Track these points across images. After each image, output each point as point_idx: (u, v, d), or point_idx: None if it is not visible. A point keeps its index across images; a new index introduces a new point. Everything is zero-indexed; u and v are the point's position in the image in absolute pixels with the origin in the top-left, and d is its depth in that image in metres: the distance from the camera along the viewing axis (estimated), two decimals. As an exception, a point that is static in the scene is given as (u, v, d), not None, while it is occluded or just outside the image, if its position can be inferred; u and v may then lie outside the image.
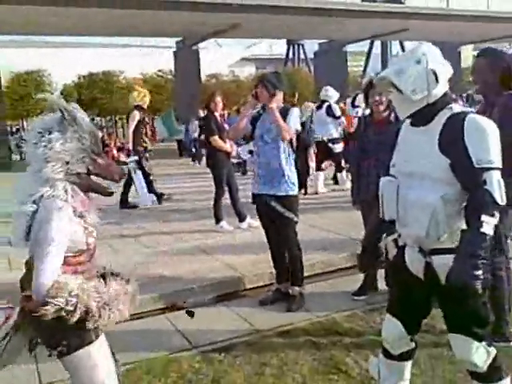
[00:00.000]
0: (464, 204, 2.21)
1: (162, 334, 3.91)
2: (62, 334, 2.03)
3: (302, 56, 56.72)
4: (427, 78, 2.22)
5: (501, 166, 2.15)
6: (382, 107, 4.21)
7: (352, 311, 4.16)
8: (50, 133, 2.03)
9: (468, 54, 36.08)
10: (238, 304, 4.49)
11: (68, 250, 2.00)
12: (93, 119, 31.65)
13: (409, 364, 2.66)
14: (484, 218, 2.07)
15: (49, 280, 1.92)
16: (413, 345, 2.60)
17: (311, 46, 56.76)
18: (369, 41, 33.29)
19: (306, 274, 4.48)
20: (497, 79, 3.27)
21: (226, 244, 6.02)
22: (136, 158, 7.28)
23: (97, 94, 28.50)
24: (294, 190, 4.26)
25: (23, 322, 2.12)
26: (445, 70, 2.27)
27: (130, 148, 7.77)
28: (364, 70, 45.83)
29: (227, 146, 6.52)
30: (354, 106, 7.52)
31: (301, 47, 56.38)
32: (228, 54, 59.73)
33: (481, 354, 2.31)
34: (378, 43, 43.67)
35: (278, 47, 62.96)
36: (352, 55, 35.27)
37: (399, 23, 19.31)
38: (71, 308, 1.93)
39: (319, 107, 8.47)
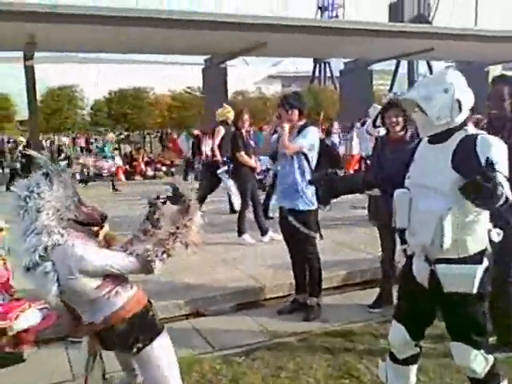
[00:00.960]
0: (470, 217, 2.40)
1: (186, 337, 4.13)
2: (136, 333, 2.34)
3: (328, 74, 57.13)
4: (452, 107, 2.44)
5: (507, 176, 2.31)
6: (398, 128, 4.42)
7: (367, 322, 4.35)
8: (38, 186, 2.25)
9: (497, 74, 35.77)
10: (257, 313, 4.70)
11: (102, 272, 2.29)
12: (120, 134, 32.44)
13: (414, 368, 2.84)
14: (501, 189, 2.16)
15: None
16: (417, 350, 2.78)
17: (337, 64, 57.21)
18: (395, 60, 33.37)
19: (324, 287, 4.68)
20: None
21: (248, 256, 6.25)
22: (226, 168, 7.59)
23: (127, 109, 29.21)
24: (310, 206, 4.41)
25: (95, 349, 2.40)
26: (468, 100, 2.50)
27: (220, 159, 7.93)
28: (390, 89, 45.94)
29: (252, 161, 6.81)
30: (375, 126, 7.68)
31: (327, 65, 56.87)
32: (254, 72, 60.45)
33: (479, 362, 2.49)
34: (404, 62, 43.73)
35: (304, 65, 63.41)
36: (379, 74, 35.36)
37: (425, 43, 19.40)
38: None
39: (363, 124, 8.68)
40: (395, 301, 4.58)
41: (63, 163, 9.89)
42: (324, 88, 40.49)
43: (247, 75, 54.17)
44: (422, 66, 48.62)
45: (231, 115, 7.84)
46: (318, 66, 57.79)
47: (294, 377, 3.49)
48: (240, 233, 6.81)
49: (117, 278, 2.33)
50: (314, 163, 4.42)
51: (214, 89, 20.55)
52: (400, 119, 4.40)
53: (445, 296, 2.50)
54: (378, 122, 7.51)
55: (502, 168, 2.31)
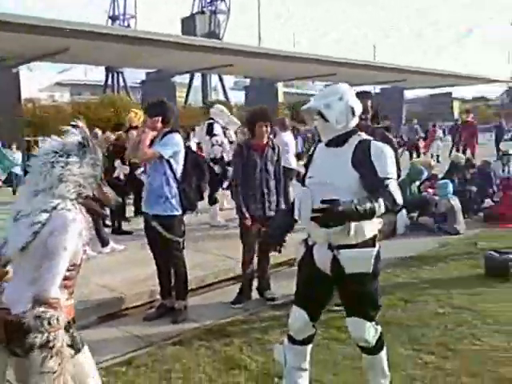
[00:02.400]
0: None
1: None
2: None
3: (122, 83, 56.37)
4: (347, 113, 2.87)
5: (395, 177, 2.81)
6: (266, 135, 4.89)
7: (234, 317, 4.62)
8: (68, 155, 2.18)
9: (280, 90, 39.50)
10: (123, 322, 4.63)
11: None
12: None
13: (309, 347, 3.18)
14: (381, 201, 2.63)
15: (55, 287, 2.03)
16: (314, 330, 3.13)
17: (131, 74, 56.67)
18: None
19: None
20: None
21: (97, 268, 6.01)
22: (143, 168, 7.15)
23: None
24: (174, 212, 4.51)
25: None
26: (358, 107, 2.93)
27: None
28: (186, 101, 47.35)
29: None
30: (211, 134, 8.05)
31: (120, 74, 56.02)
32: (40, 79, 56.49)
33: (372, 332, 2.90)
34: (198, 75, 45.57)
35: (94, 73, 61.46)
36: (179, 86, 36.26)
37: (225, 59, 20.59)
38: (44, 328, 1.97)
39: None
40: (253, 296, 5.06)
41: None
42: (121, 97, 39.84)
43: (32, 82, 50.31)
44: (214, 80, 51.19)
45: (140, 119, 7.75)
46: (110, 74, 56.52)
47: (185, 376, 3.56)
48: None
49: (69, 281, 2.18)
50: (179, 171, 4.54)
51: (6, 95, 18.79)
52: (269, 129, 4.88)
53: (346, 277, 2.83)
54: (215, 131, 7.95)
55: (391, 170, 2.77)
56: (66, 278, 2.13)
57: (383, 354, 2.98)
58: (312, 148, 3.14)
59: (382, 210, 2.66)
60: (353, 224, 2.75)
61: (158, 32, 21.09)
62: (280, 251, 3.24)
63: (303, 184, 3.03)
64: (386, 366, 3.01)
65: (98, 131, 11.01)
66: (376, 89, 36.86)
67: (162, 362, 3.77)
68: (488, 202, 9.26)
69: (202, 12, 49.91)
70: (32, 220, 2.10)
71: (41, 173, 2.17)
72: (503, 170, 10.44)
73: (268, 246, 3.44)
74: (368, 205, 2.61)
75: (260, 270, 5.09)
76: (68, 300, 2.19)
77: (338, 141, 2.90)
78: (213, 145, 7.78)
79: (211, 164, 7.70)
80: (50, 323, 1.98)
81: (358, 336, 2.92)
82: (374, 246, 2.87)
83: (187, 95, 50.93)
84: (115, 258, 6.47)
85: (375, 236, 2.90)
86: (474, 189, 9.14)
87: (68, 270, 2.13)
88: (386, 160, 2.80)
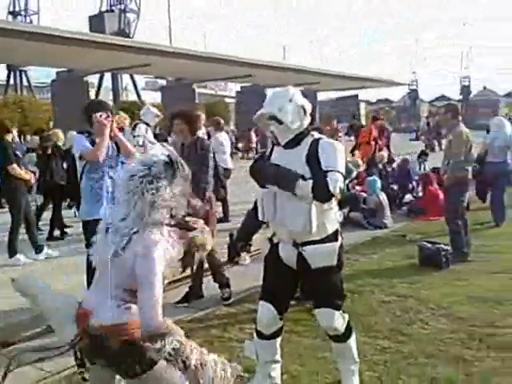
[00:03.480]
0: (326, 205, 2.93)
1: None
2: (132, 358, 2.10)
3: (25, 83, 53.39)
4: (299, 112, 2.97)
5: (342, 171, 2.87)
6: (182, 134, 4.98)
7: (191, 317, 4.62)
8: (158, 180, 2.09)
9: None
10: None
11: None
12: None
13: (279, 340, 3.28)
14: (303, 182, 2.77)
15: (158, 315, 2.02)
16: (281, 323, 3.22)
17: (35, 73, 53.77)
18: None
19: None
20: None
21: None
22: None
23: None
24: None
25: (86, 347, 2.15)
26: (308, 106, 3.04)
27: None
28: (95, 101, 45.70)
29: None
30: (134, 135, 7.92)
31: (23, 73, 53.03)
32: None
33: (340, 320, 3.05)
34: (108, 75, 44.24)
35: (-6, 71, 57.74)
36: (92, 86, 34.92)
37: (141, 58, 20.25)
38: (171, 351, 2.03)
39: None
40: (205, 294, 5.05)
41: None
42: (29, 97, 37.75)
43: None
44: (125, 81, 49.86)
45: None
46: (12, 73, 53.29)
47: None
48: (12, 253, 6.14)
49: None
50: None
51: None
52: (183, 127, 4.92)
53: (312, 272, 2.98)
54: (136, 132, 7.93)
55: (335, 163, 2.84)
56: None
57: (352, 340, 3.15)
58: (268, 150, 3.21)
59: (307, 189, 2.77)
60: (314, 221, 2.87)
61: (68, 30, 20.38)
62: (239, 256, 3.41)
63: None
64: (355, 353, 3.18)
65: (14, 132, 10.40)
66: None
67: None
68: (409, 197, 9.89)
69: (111, 10, 48.44)
70: (119, 239, 2.10)
71: (129, 200, 2.12)
72: (420, 168, 11.19)
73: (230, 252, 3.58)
74: (293, 172, 2.81)
75: (211, 267, 5.09)
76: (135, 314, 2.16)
77: (294, 142, 2.99)
78: (134, 146, 7.65)
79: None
80: (173, 349, 2.05)
81: (328, 325, 3.06)
82: (336, 240, 3.01)
83: (97, 95, 49.17)
84: (50, 265, 6.18)
85: (337, 230, 3.04)
86: (396, 185, 9.73)
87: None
88: (332, 154, 2.89)
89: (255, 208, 3.17)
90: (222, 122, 8.76)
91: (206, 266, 5.21)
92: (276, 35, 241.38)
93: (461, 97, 62.15)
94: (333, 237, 3.00)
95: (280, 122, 2.94)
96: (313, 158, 2.89)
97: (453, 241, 6.13)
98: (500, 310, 4.47)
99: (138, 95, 49.93)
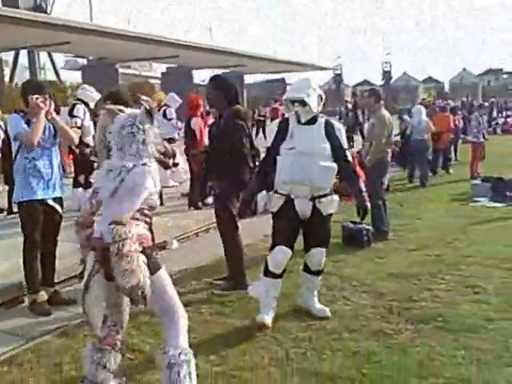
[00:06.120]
0: (323, 168, 3.85)
1: None
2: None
3: None
4: (319, 99, 3.95)
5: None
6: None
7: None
8: (142, 123, 2.74)
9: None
10: None
11: (145, 203, 2.72)
12: None
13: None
14: (360, 179, 4.23)
15: (129, 214, 2.62)
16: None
17: None
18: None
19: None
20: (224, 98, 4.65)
21: None
22: None
23: None
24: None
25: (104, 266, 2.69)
26: (323, 96, 4.01)
27: None
28: (11, 79, 43.20)
29: None
30: (72, 116, 7.55)
31: None
32: None
33: (324, 258, 4.11)
34: (24, 52, 41.98)
35: None
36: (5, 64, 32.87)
37: (61, 36, 19.27)
38: (120, 241, 2.53)
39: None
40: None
41: None
42: None
43: None
44: (42, 58, 47.43)
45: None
46: None
47: (79, 366, 3.37)
48: None
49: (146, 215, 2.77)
50: None
51: None
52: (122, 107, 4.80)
53: (322, 218, 3.96)
54: (76, 112, 7.52)
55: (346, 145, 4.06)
56: (144, 214, 2.76)
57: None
58: (278, 126, 4.04)
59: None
60: (330, 180, 3.98)
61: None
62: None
63: (278, 153, 3.93)
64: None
65: None
66: (217, 73, 37.50)
67: (49, 357, 3.58)
68: (333, 179, 10.15)
69: (26, -16, 45.72)
70: (120, 171, 2.68)
71: (124, 143, 2.74)
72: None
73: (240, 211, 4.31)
74: (362, 185, 4.15)
75: None
76: (144, 229, 2.74)
77: (311, 120, 3.94)
78: (71, 127, 7.30)
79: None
80: (120, 235, 2.54)
81: (318, 262, 4.08)
82: (335, 193, 4.06)
83: (12, 74, 46.51)
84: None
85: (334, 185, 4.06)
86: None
87: (147, 209, 2.77)
88: (344, 135, 4.07)
89: (260, 173, 4.13)
90: (155, 104, 8.53)
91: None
92: (202, 16, 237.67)
93: (383, 82, 64.23)
94: (333, 191, 4.04)
95: (304, 105, 3.86)
96: (330, 134, 3.93)
97: (374, 220, 6.40)
98: (417, 284, 4.73)
99: (57, 74, 47.77)
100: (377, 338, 3.67)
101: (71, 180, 7.89)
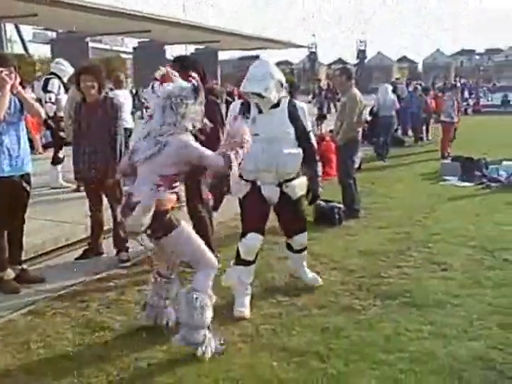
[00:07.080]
0: (297, 152, 3.82)
1: None
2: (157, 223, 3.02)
3: None
4: (277, 86, 3.72)
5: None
6: (93, 91, 4.65)
7: (85, 281, 4.47)
8: (186, 98, 3.01)
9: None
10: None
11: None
12: None
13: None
14: (318, 162, 4.06)
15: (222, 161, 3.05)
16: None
17: None
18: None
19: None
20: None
21: None
22: None
23: None
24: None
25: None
26: (283, 78, 3.80)
27: None
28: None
29: None
30: (46, 91, 7.32)
31: None
32: None
33: (306, 237, 4.19)
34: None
35: None
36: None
37: (27, 7, 18.64)
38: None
39: None
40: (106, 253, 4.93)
41: None
42: None
43: None
44: (9, 30, 45.81)
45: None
46: None
47: (46, 345, 3.38)
48: None
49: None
50: None
51: None
52: (95, 83, 4.64)
53: (291, 202, 3.90)
54: (50, 87, 7.29)
55: (310, 127, 4.03)
56: (173, 180, 3.08)
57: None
58: (240, 108, 3.81)
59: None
60: (299, 163, 3.89)
61: None
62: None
63: None
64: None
65: None
66: (191, 49, 37.01)
67: (16, 335, 3.53)
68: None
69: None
70: (159, 139, 2.99)
71: (167, 112, 3.00)
72: (317, 130, 11.61)
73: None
74: (318, 173, 4.05)
75: (115, 229, 4.94)
76: (169, 194, 3.07)
77: (274, 106, 3.77)
78: (46, 102, 7.10)
79: (49, 122, 7.08)
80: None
81: (301, 244, 4.17)
82: (303, 174, 3.99)
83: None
84: None
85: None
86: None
87: (176, 175, 3.08)
88: (307, 115, 3.96)
89: None
90: (123, 77, 8.32)
91: (106, 227, 5.11)
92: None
93: (357, 61, 64.26)
94: (301, 173, 3.97)
95: (263, 98, 3.68)
96: (294, 117, 3.82)
97: (345, 199, 6.45)
98: (386, 261, 4.81)
99: (25, 48, 46.30)
100: (345, 314, 3.72)
101: (39, 155, 7.70)
